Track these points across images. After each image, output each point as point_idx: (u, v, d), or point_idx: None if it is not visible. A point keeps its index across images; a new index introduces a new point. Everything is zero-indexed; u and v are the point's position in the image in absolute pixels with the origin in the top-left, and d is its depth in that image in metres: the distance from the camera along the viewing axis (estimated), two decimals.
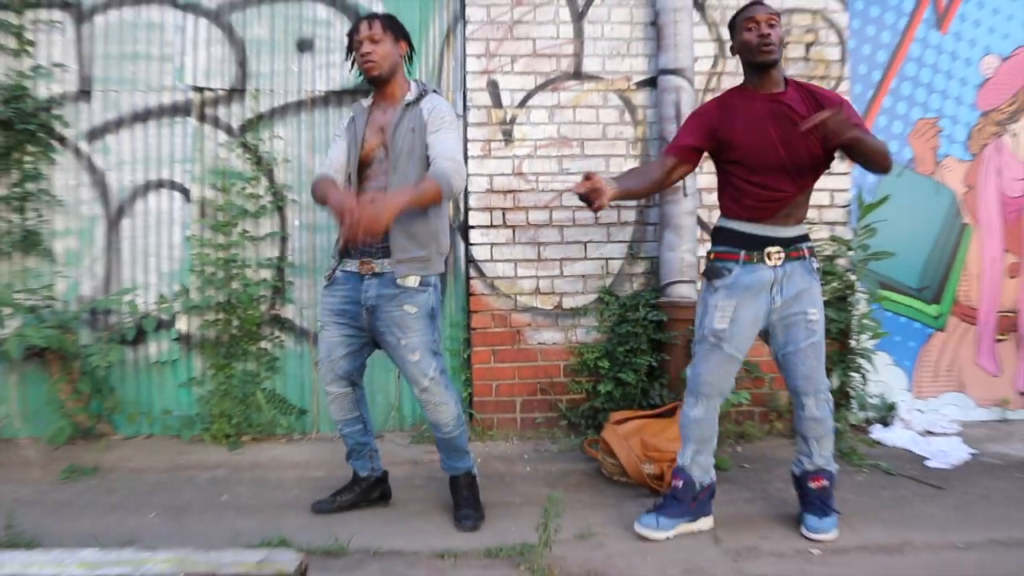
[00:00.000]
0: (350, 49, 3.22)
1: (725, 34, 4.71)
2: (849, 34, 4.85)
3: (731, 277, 3.05)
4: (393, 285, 3.05)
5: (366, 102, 3.26)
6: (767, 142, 2.98)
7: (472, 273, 4.55)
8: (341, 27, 4.72)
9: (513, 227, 4.58)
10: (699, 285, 4.57)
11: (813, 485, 3.14)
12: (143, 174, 4.61)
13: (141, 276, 4.59)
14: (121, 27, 4.61)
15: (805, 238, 3.10)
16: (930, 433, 4.57)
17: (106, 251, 4.59)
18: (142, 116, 4.61)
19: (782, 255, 3.03)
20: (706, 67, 4.69)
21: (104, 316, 4.55)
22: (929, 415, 4.81)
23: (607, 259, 4.64)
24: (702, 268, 4.58)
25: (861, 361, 4.44)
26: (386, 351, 3.16)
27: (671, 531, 3.10)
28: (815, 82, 4.77)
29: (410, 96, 3.15)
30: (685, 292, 4.42)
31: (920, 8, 5.01)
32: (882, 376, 4.84)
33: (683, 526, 3.13)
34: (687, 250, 4.44)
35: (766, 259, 3.03)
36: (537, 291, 4.59)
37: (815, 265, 3.09)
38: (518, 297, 4.57)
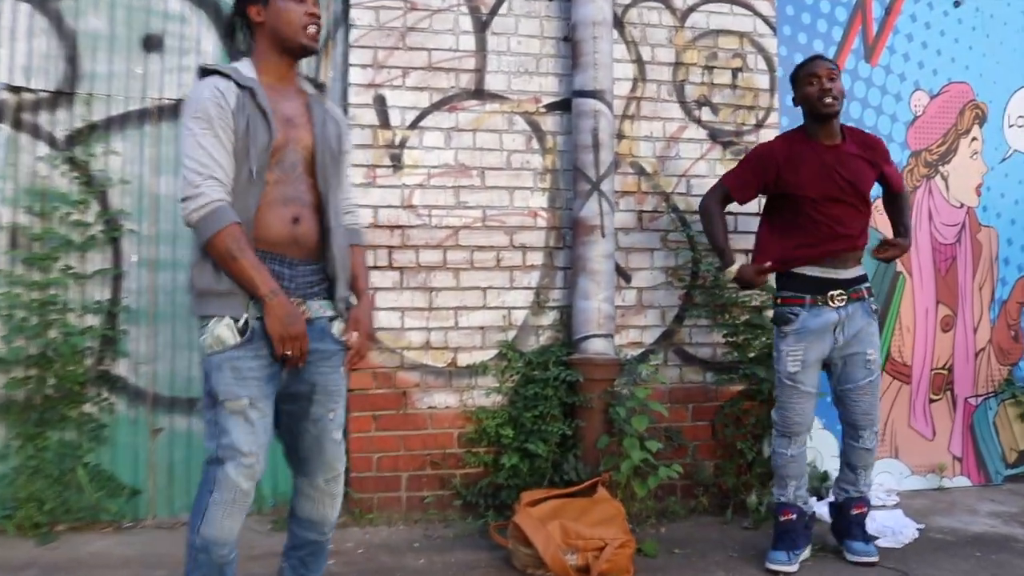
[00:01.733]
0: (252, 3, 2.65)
1: (646, 54, 4.64)
2: (777, 61, 4.86)
3: (798, 322, 3.62)
4: (331, 339, 2.63)
5: (250, 74, 2.58)
6: (834, 189, 3.63)
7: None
8: (198, 24, 4.42)
9: (400, 269, 4.33)
10: (617, 339, 4.43)
11: (856, 512, 3.75)
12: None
13: None
14: None
15: (864, 279, 3.71)
16: None
17: None
18: None
19: (844, 297, 3.63)
20: (625, 90, 4.60)
21: None
22: None
23: (510, 308, 4.45)
24: (620, 319, 4.46)
25: None
26: (294, 425, 2.66)
27: (798, 560, 3.64)
28: (743, 112, 4.76)
29: (306, 87, 2.75)
30: (602, 347, 4.26)
31: (849, 38, 5.09)
32: (813, 442, 4.80)
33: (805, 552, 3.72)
34: (604, 299, 4.28)
35: (829, 302, 3.61)
36: (427, 345, 4.34)
37: (873, 306, 3.71)
38: (405, 352, 4.32)
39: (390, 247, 4.32)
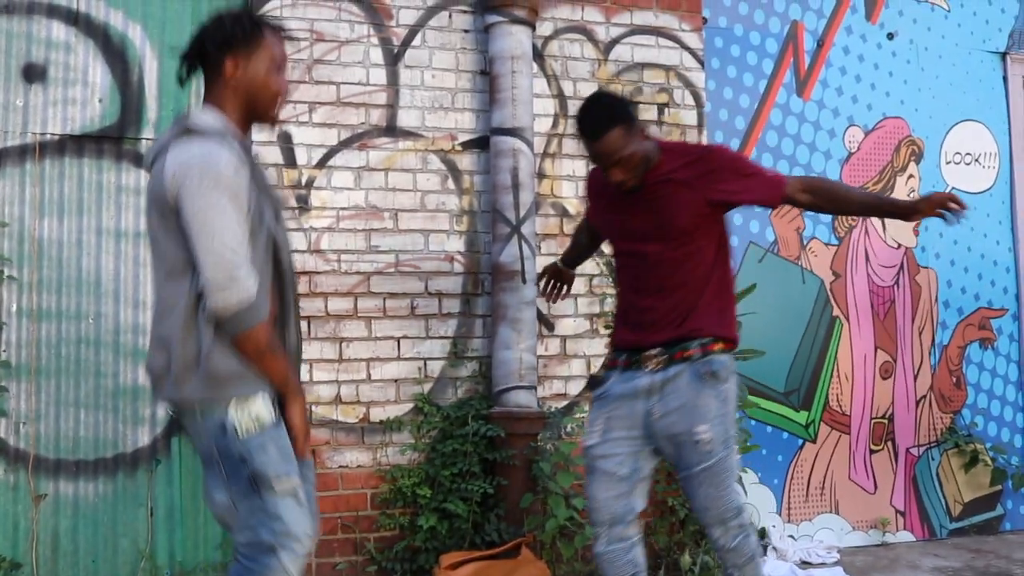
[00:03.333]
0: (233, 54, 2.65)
1: (568, 88, 4.89)
2: (706, 96, 5.16)
3: (605, 386, 3.32)
4: None
5: (231, 134, 2.61)
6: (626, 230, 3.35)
7: None
8: (84, 52, 4.51)
9: (308, 318, 4.46)
10: (540, 391, 4.63)
11: None
12: None
13: None
14: None
15: (698, 335, 3.20)
16: (807, 564, 4.80)
17: None
18: None
19: (663, 358, 3.19)
20: (546, 127, 4.84)
21: None
22: (803, 541, 5.06)
23: (425, 359, 4.62)
24: (543, 370, 4.66)
25: None
26: None
27: None
28: None
29: None
30: (524, 400, 4.45)
31: (780, 71, 5.43)
32: (749, 498, 5.04)
33: None
34: (526, 348, 4.48)
35: (645, 363, 3.21)
36: (338, 400, 4.48)
37: (710, 369, 3.15)
38: (314, 407, 4.44)
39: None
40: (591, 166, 3.36)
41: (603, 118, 3.09)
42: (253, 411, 2.50)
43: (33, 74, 4.46)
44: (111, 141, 4.51)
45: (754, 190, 3.23)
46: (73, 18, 4.52)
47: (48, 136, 4.45)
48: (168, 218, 2.51)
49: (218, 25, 2.63)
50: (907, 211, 3.26)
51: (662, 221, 3.18)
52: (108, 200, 4.49)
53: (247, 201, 2.49)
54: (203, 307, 2.46)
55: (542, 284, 3.81)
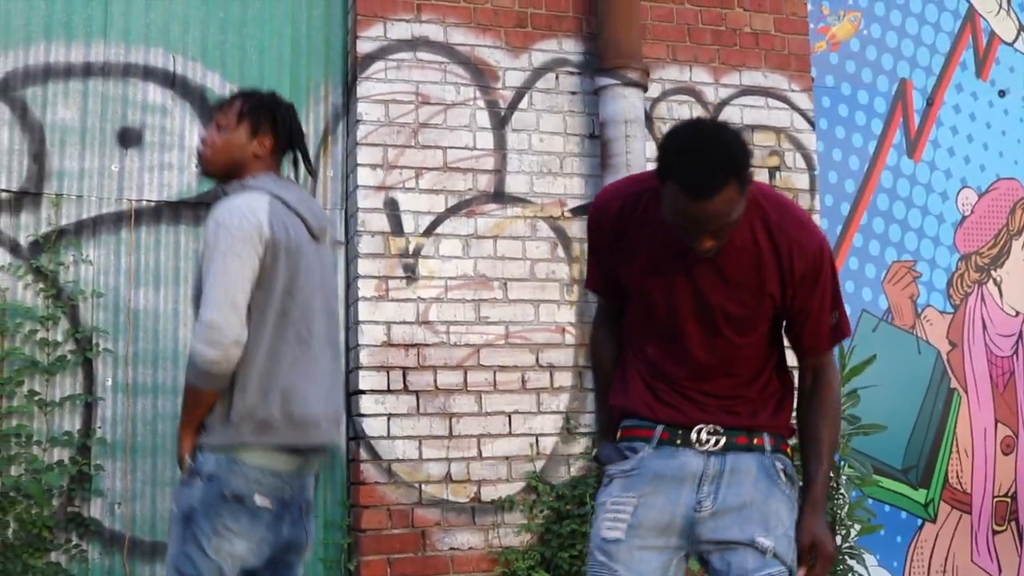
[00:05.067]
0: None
1: None
2: (817, 159, 5.26)
3: (634, 460, 2.60)
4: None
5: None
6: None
7: (362, 455, 4.45)
8: (181, 115, 4.66)
9: (416, 392, 4.54)
10: None
11: None
12: None
13: None
14: None
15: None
16: None
17: None
18: None
19: (721, 440, 2.55)
20: None
21: None
22: None
23: (537, 435, 4.67)
24: None
25: (852, 562, 4.65)
26: None
27: None
28: None
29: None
30: None
31: (890, 131, 5.53)
32: None
33: None
34: None
35: (696, 440, 2.55)
36: (448, 478, 4.53)
37: (784, 471, 2.58)
38: (423, 486, 4.50)
39: (404, 368, 4.54)
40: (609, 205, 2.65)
41: (717, 170, 2.22)
42: None
43: (129, 138, 4.62)
44: (208, 207, 4.60)
45: (824, 327, 2.58)
46: (170, 80, 4.67)
47: (144, 202, 4.58)
48: None
49: None
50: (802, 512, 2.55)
51: (740, 293, 2.52)
52: None
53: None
54: None
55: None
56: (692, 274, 2.49)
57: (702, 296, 2.50)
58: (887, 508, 5.24)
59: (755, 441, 2.55)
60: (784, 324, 2.61)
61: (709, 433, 2.52)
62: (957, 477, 5.38)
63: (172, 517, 2.83)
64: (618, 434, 2.65)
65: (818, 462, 2.56)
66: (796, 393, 2.66)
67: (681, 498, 2.50)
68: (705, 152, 2.24)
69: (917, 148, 5.57)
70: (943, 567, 5.28)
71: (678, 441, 2.53)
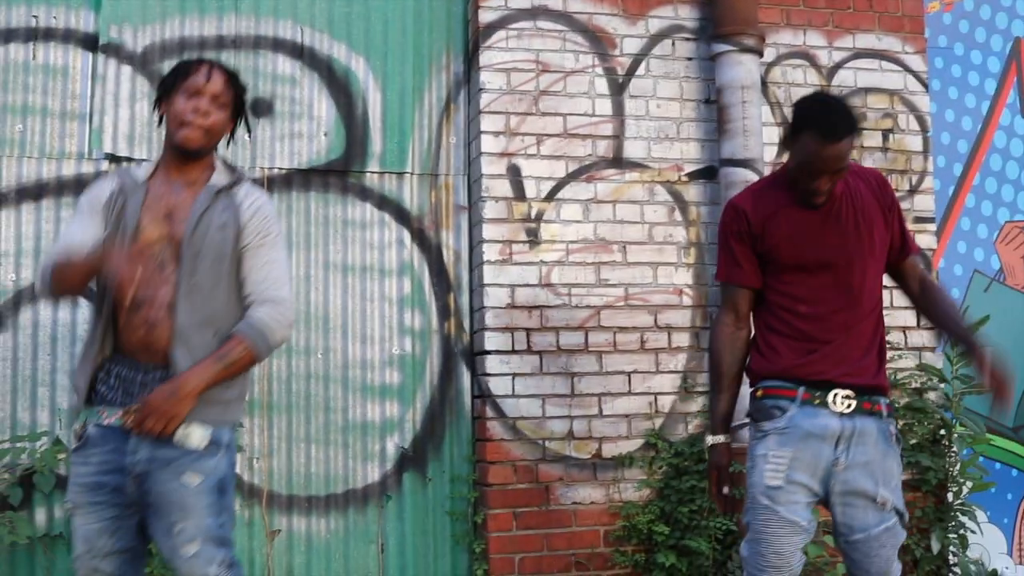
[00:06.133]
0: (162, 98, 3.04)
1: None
2: (930, 121, 5.39)
3: (784, 419, 3.16)
4: (170, 444, 2.81)
5: (141, 173, 3.03)
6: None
7: (488, 412, 4.71)
8: (310, 85, 4.91)
9: (540, 352, 4.80)
10: None
11: None
12: (35, 272, 4.49)
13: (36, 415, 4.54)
14: (7, 70, 4.63)
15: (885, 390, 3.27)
16: None
17: None
18: (33, 192, 4.61)
19: (852, 403, 3.12)
20: (770, 156, 5.09)
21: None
22: None
23: (655, 394, 4.90)
24: None
25: (963, 519, 4.84)
26: (153, 537, 2.90)
27: None
28: (895, 177, 5.26)
29: (220, 179, 3.02)
30: None
31: (1004, 90, 5.63)
32: (979, 536, 5.25)
33: None
34: None
35: (831, 403, 3.12)
36: (570, 435, 4.79)
37: (895, 432, 3.21)
38: (547, 443, 4.76)
39: (528, 329, 4.79)
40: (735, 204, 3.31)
41: (845, 123, 2.98)
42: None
43: (260, 108, 4.84)
44: (337, 175, 4.90)
45: (910, 238, 3.33)
46: (298, 51, 4.92)
47: (276, 170, 4.84)
48: None
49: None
50: (971, 348, 3.18)
51: (860, 238, 3.16)
52: (335, 234, 4.88)
53: (96, 211, 2.97)
54: None
55: (714, 491, 3.43)
56: (824, 231, 3.15)
57: (841, 246, 3.16)
58: (998, 466, 5.40)
59: (876, 408, 3.17)
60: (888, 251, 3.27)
61: (844, 398, 3.12)
62: None
63: (198, 488, 2.81)
64: (758, 392, 3.27)
65: (963, 323, 3.34)
66: (912, 303, 3.46)
67: (823, 453, 3.11)
68: (837, 106, 3.09)
69: None
70: None
71: (816, 401, 3.13)
